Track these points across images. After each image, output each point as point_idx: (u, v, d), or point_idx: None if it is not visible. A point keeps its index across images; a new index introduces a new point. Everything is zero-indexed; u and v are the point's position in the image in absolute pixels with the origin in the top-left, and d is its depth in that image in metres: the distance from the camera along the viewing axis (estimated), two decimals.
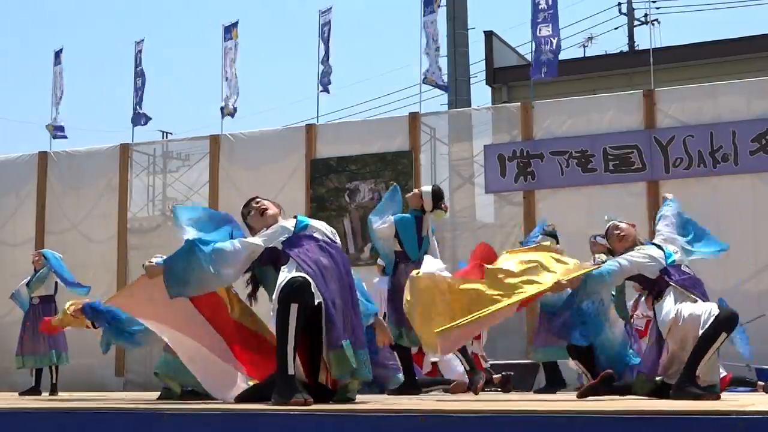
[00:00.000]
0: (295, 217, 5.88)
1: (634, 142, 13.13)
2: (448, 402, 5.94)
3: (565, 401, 5.78)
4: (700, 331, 5.98)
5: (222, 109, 15.69)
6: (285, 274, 5.38)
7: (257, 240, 5.73)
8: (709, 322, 6.01)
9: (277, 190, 14.81)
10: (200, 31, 68.58)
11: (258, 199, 6.13)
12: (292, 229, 5.72)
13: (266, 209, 6.00)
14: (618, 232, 6.71)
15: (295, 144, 14.92)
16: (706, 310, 6.11)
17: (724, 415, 3.63)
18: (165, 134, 27.14)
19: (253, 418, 4.50)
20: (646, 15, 27.03)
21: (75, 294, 10.61)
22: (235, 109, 15.67)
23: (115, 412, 4.83)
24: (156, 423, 4.55)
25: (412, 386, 8.34)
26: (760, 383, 10.20)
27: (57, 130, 16.64)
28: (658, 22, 25.45)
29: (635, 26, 27.76)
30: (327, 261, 5.54)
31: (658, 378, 6.11)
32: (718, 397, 6.00)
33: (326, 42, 15.35)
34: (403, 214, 8.57)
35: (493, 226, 13.95)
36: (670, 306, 6.20)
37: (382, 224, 8.46)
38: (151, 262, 6.38)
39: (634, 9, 27.71)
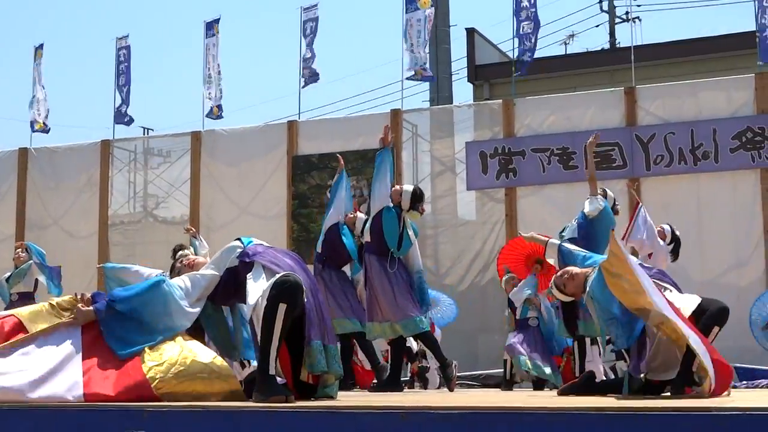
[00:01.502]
0: (238, 238, 5.89)
1: (615, 139, 13.16)
2: (429, 398, 5.94)
3: (547, 398, 5.79)
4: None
5: (210, 109, 15.60)
6: (259, 281, 5.32)
7: (207, 270, 5.66)
8: (701, 319, 6.00)
9: (259, 186, 14.81)
10: (182, 27, 68.40)
11: (184, 255, 6.21)
12: (241, 244, 5.71)
13: (194, 262, 6.05)
14: (567, 276, 6.58)
15: (277, 140, 14.89)
16: (689, 300, 6.08)
17: (708, 411, 3.64)
18: (146, 130, 27.05)
19: (237, 415, 4.48)
20: (627, 13, 27.12)
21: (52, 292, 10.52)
22: (219, 108, 15.60)
23: (97, 410, 4.81)
24: (137, 420, 4.53)
25: (395, 383, 8.28)
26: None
27: (39, 125, 16.54)
28: (640, 20, 25.53)
29: (616, 24, 27.84)
30: (291, 262, 5.53)
31: (641, 375, 6.11)
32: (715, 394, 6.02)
33: (311, 38, 15.29)
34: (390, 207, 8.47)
35: (474, 224, 13.97)
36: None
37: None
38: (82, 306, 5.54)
39: (615, 7, 27.79)
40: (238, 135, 15.27)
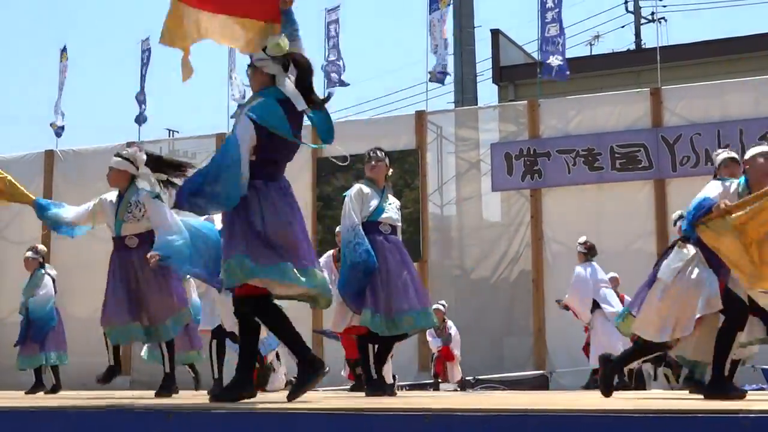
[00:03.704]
0: None
1: (641, 140, 13.10)
2: (453, 401, 5.91)
3: (571, 399, 5.76)
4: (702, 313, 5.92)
5: (227, 108, 15.71)
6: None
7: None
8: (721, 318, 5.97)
9: None
10: None
11: None
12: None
13: None
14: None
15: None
16: (710, 289, 5.97)
17: (730, 414, 3.61)
18: (171, 132, 27.13)
19: (259, 417, 4.48)
20: (653, 13, 26.97)
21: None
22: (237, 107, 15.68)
23: (118, 411, 4.82)
24: (161, 422, 4.53)
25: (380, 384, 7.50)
26: None
27: (59, 129, 16.69)
28: (665, 20, 25.41)
29: (642, 24, 27.71)
30: None
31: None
32: (745, 395, 6.02)
33: (335, 40, 15.31)
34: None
35: (499, 225, 13.93)
36: (686, 260, 6.08)
37: None
38: None
39: (640, 7, 27.65)
40: None
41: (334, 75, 15.22)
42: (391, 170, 7.78)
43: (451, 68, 14.59)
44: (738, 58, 18.37)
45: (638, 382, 11.64)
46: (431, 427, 3.97)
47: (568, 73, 13.81)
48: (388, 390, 7.32)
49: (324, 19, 15.51)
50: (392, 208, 7.60)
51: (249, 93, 5.66)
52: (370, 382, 7.30)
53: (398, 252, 7.42)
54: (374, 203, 7.48)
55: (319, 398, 5.90)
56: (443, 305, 12.13)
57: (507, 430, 3.86)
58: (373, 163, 7.64)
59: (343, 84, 15.17)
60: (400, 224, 7.68)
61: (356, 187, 7.61)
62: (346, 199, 7.55)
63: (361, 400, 5.66)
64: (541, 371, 12.56)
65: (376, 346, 7.38)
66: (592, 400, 5.71)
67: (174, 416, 4.49)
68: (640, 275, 12.49)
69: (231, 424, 4.37)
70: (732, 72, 16.35)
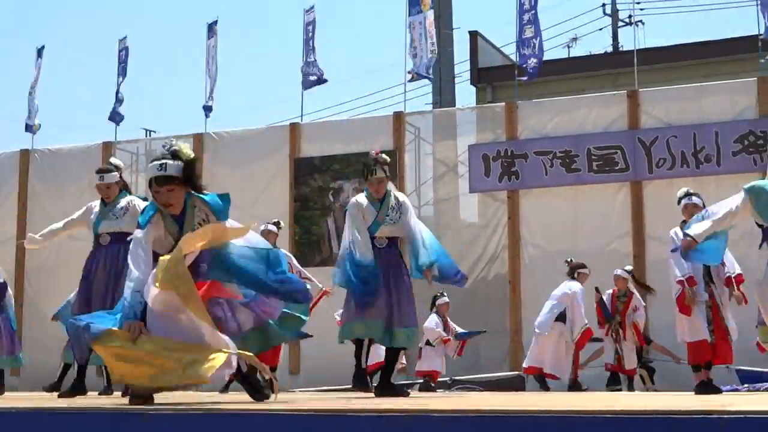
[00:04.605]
0: None
1: (618, 142, 13.16)
2: (432, 402, 5.92)
3: (547, 400, 5.78)
4: None
5: (205, 108, 15.67)
6: None
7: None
8: None
9: (261, 189, 14.80)
10: (184, 29, 68.44)
11: None
12: None
13: None
14: None
15: (279, 143, 14.90)
16: None
17: (705, 414, 3.63)
18: (148, 132, 27.04)
19: (237, 418, 4.47)
20: (630, 16, 27.09)
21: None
22: (209, 107, 15.68)
23: (94, 413, 4.80)
24: (137, 423, 4.52)
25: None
26: None
27: (35, 128, 16.60)
28: (643, 23, 25.52)
29: (619, 27, 27.84)
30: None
31: None
32: None
33: (310, 40, 15.31)
34: None
35: (476, 226, 13.96)
36: None
37: None
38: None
39: (618, 10, 27.78)
40: (240, 137, 15.27)
41: (312, 76, 15.20)
42: (391, 185, 7.68)
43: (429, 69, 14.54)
44: (714, 62, 18.48)
45: (614, 383, 11.70)
46: (409, 428, 3.98)
47: (534, 72, 13.84)
48: (401, 390, 7.51)
49: (303, 19, 15.51)
50: (392, 218, 7.48)
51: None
52: (356, 375, 7.63)
53: (389, 269, 7.41)
54: (370, 219, 7.42)
55: (299, 399, 5.91)
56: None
57: (484, 431, 3.88)
58: (375, 183, 7.48)
59: (320, 82, 15.14)
60: (402, 232, 7.55)
61: (353, 200, 7.56)
62: (347, 214, 7.56)
63: (339, 402, 5.66)
64: (518, 372, 12.60)
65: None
66: (567, 401, 5.73)
67: (151, 417, 4.48)
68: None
69: (211, 425, 4.36)
70: (708, 75, 16.46)
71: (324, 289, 10.65)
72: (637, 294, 11.71)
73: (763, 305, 6.47)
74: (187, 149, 5.41)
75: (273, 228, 10.96)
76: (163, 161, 5.34)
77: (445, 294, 12.33)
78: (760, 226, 6.60)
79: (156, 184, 5.36)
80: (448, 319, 12.31)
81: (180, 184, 5.35)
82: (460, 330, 12.25)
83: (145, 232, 5.34)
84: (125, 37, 16.57)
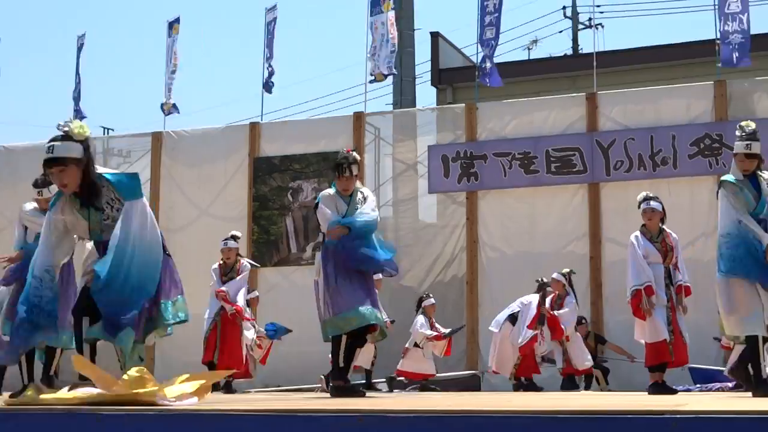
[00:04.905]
0: None
1: (576, 144, 13.25)
2: (387, 402, 5.92)
3: (501, 400, 5.81)
4: None
5: (162, 105, 15.58)
6: None
7: None
8: None
9: (220, 188, 14.74)
10: (144, 27, 67.95)
11: None
12: None
13: None
14: None
15: (239, 142, 14.84)
16: None
17: (658, 414, 3.66)
18: (106, 130, 26.85)
19: (192, 418, 4.44)
20: (590, 19, 27.30)
21: None
22: (174, 105, 15.56)
23: (48, 413, 4.75)
24: (93, 423, 4.48)
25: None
26: None
27: None
28: (602, 27, 25.71)
29: (579, 30, 28.06)
30: None
31: None
32: None
33: (270, 40, 15.27)
34: None
35: (435, 227, 13.99)
36: None
37: None
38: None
39: (578, 13, 28.00)
40: (199, 136, 15.20)
41: (272, 76, 15.15)
42: (358, 182, 7.77)
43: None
44: (672, 65, 18.64)
45: (571, 384, 11.78)
46: (365, 428, 3.98)
47: (499, 78, 13.93)
48: (357, 390, 7.50)
49: (264, 18, 15.46)
50: (366, 208, 7.58)
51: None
52: (333, 371, 7.54)
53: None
54: (341, 213, 7.51)
55: (256, 399, 5.88)
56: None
57: (438, 430, 3.89)
58: (344, 181, 7.58)
59: (270, 87, 15.12)
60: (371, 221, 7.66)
61: (326, 192, 7.65)
62: (319, 203, 7.57)
63: (296, 402, 5.64)
64: (474, 371, 12.66)
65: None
66: (523, 401, 5.76)
67: (102, 418, 4.44)
68: (573, 277, 12.69)
69: (165, 425, 4.34)
70: (666, 79, 16.59)
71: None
72: (572, 296, 11.72)
73: (721, 299, 6.62)
74: (79, 128, 5.40)
75: (234, 244, 10.99)
76: (52, 143, 5.35)
77: (432, 295, 12.39)
78: None
79: (46, 166, 5.41)
80: (434, 321, 12.31)
81: (72, 164, 5.33)
82: (444, 330, 12.25)
83: (49, 214, 5.52)
84: (84, 34, 16.43)
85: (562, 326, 11.44)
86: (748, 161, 6.86)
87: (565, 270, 11.88)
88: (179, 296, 5.60)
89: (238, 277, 11.01)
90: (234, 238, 11.13)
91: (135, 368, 5.06)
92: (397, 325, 11.85)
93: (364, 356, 11.12)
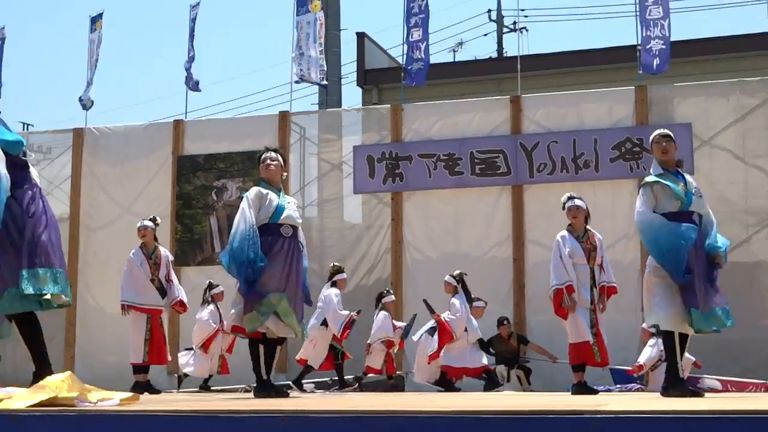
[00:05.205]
0: None
1: (501, 146, 13.36)
2: (310, 402, 5.91)
3: (424, 401, 5.83)
4: None
5: (82, 100, 15.34)
6: None
7: None
8: None
9: (142, 186, 14.57)
10: (66, 21, 66.85)
11: None
12: None
13: None
14: None
15: (162, 140, 14.68)
16: None
17: (579, 414, 3.71)
18: (26, 126, 26.34)
19: (113, 420, 4.38)
20: (515, 23, 27.61)
21: None
22: (91, 102, 15.35)
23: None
24: (8, 423, 4.39)
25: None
26: None
27: None
28: (527, 30, 26.03)
29: (504, 33, 28.34)
30: None
31: None
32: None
33: (192, 38, 15.13)
34: None
35: (360, 227, 14.00)
36: None
37: None
38: None
39: (503, 16, 28.27)
40: (121, 133, 15.00)
41: (195, 73, 15.03)
42: (285, 173, 7.72)
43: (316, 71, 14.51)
44: (595, 70, 18.91)
45: (492, 383, 11.88)
46: (287, 429, 3.97)
47: (424, 79, 14.00)
48: (280, 391, 7.42)
49: (189, 15, 15.31)
50: (292, 207, 7.54)
51: None
52: (258, 384, 7.36)
53: (297, 260, 7.42)
54: (274, 203, 7.37)
55: (178, 399, 5.82)
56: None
57: (361, 431, 3.89)
58: (267, 162, 7.51)
59: (195, 84, 14.99)
60: (300, 221, 7.64)
61: (254, 189, 7.47)
62: (243, 200, 7.42)
63: (216, 403, 5.60)
64: (398, 372, 12.68)
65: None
66: (447, 402, 5.80)
67: (22, 419, 4.36)
68: (497, 279, 12.81)
69: (83, 425, 4.27)
70: (589, 83, 16.83)
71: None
72: (461, 297, 11.77)
73: (647, 295, 6.73)
74: None
75: (149, 224, 10.86)
76: None
77: (391, 291, 12.37)
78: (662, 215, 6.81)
79: None
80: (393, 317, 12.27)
81: None
82: (399, 323, 12.21)
83: None
84: (3, 27, 16.10)
85: (452, 331, 11.54)
86: (665, 143, 6.91)
87: (456, 272, 11.94)
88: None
89: (173, 278, 11.02)
90: (153, 220, 11.04)
91: (60, 374, 4.99)
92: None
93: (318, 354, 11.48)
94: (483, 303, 12.06)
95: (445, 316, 11.54)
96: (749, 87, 12.79)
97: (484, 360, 11.68)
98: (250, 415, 4.13)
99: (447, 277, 11.79)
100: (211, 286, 12.54)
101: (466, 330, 11.51)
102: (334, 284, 11.87)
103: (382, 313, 12.07)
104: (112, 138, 14.94)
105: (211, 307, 12.40)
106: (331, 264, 12.22)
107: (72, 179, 14.83)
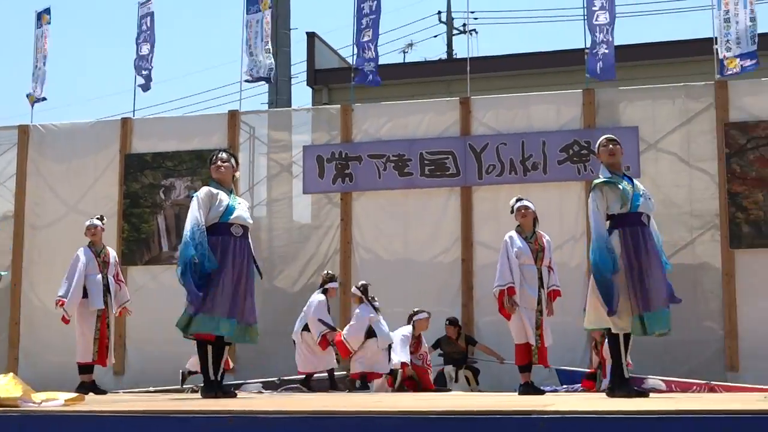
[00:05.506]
0: None
1: (450, 148, 13.41)
2: (258, 403, 5.90)
3: (370, 401, 5.84)
4: None
5: (28, 96, 15.15)
6: None
7: None
8: None
9: (89, 184, 14.42)
10: (11, 15, 65.87)
11: None
12: None
13: None
14: None
15: (109, 137, 14.53)
16: None
17: (526, 414, 3.74)
18: None
19: (61, 420, 4.34)
20: (464, 25, 27.75)
21: None
22: (44, 98, 15.17)
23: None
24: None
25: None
26: None
27: None
28: (476, 32, 26.16)
29: (454, 35, 28.47)
30: None
31: None
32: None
33: (147, 34, 15.00)
34: None
35: (309, 227, 13.97)
36: None
37: None
38: None
39: (453, 18, 28.39)
40: (68, 131, 14.82)
41: (144, 71, 14.88)
42: (238, 173, 7.76)
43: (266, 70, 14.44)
44: (543, 72, 19.05)
45: (440, 384, 11.92)
46: (235, 429, 3.96)
47: (379, 79, 14.02)
48: (228, 391, 7.44)
49: (137, 12, 15.17)
50: (242, 207, 7.56)
51: None
52: (206, 384, 7.33)
53: (246, 262, 7.47)
54: (224, 203, 7.38)
55: (125, 400, 5.77)
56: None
57: (308, 431, 3.89)
58: (218, 164, 7.54)
59: (148, 80, 14.85)
60: (251, 222, 7.67)
61: (204, 189, 7.48)
62: (193, 199, 7.41)
63: (163, 403, 5.56)
64: (345, 373, 12.68)
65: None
66: (392, 401, 5.81)
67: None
68: (445, 279, 12.86)
69: (35, 425, 4.23)
70: (537, 85, 16.94)
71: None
72: (365, 307, 11.85)
73: (593, 293, 6.83)
74: None
75: (99, 222, 10.87)
76: None
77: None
78: (609, 216, 6.90)
79: None
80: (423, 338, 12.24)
81: None
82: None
83: None
84: None
85: (347, 344, 11.67)
86: (611, 146, 7.03)
87: (361, 282, 12.11)
88: None
89: (122, 279, 11.10)
90: (101, 219, 11.05)
91: (3, 375, 4.96)
92: (269, 327, 11.77)
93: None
94: (426, 314, 12.11)
95: (345, 331, 11.80)
96: (694, 91, 12.95)
97: (390, 366, 11.79)
98: (197, 415, 4.11)
99: (353, 289, 12.03)
100: None
101: (375, 336, 11.59)
102: (324, 292, 12.02)
103: (405, 327, 12.05)
104: (59, 135, 14.76)
105: None
106: (324, 272, 12.41)
107: (17, 177, 14.63)
